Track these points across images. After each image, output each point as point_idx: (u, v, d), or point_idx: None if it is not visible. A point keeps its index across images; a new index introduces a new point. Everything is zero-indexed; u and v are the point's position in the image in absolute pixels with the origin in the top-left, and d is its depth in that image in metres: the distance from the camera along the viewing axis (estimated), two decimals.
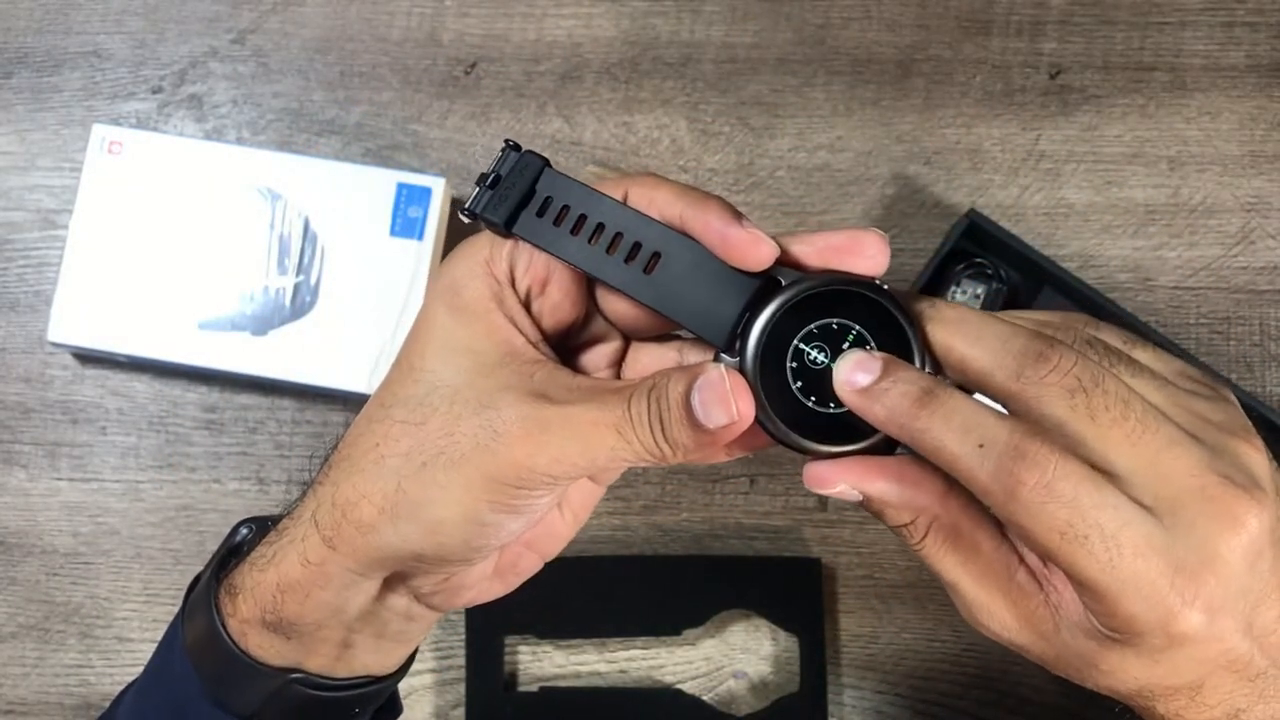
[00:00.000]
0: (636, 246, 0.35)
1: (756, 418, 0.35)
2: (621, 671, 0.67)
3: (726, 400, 0.34)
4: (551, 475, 0.35)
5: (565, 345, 0.39)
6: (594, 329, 0.39)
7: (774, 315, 0.35)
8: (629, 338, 0.40)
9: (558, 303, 0.37)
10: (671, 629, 0.67)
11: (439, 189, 0.66)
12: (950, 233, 0.68)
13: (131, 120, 0.71)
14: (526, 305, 0.37)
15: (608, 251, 0.36)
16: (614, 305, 0.38)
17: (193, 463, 0.68)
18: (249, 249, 0.66)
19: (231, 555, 0.42)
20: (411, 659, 0.44)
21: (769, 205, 0.71)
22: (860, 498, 0.35)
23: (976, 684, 0.67)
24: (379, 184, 0.66)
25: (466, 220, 0.37)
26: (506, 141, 0.37)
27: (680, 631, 0.67)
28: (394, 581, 0.39)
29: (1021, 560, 0.35)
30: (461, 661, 0.66)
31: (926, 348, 0.35)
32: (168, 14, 0.72)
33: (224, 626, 0.39)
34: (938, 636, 0.67)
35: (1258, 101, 0.71)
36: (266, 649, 0.39)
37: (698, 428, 0.34)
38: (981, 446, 0.32)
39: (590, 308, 0.38)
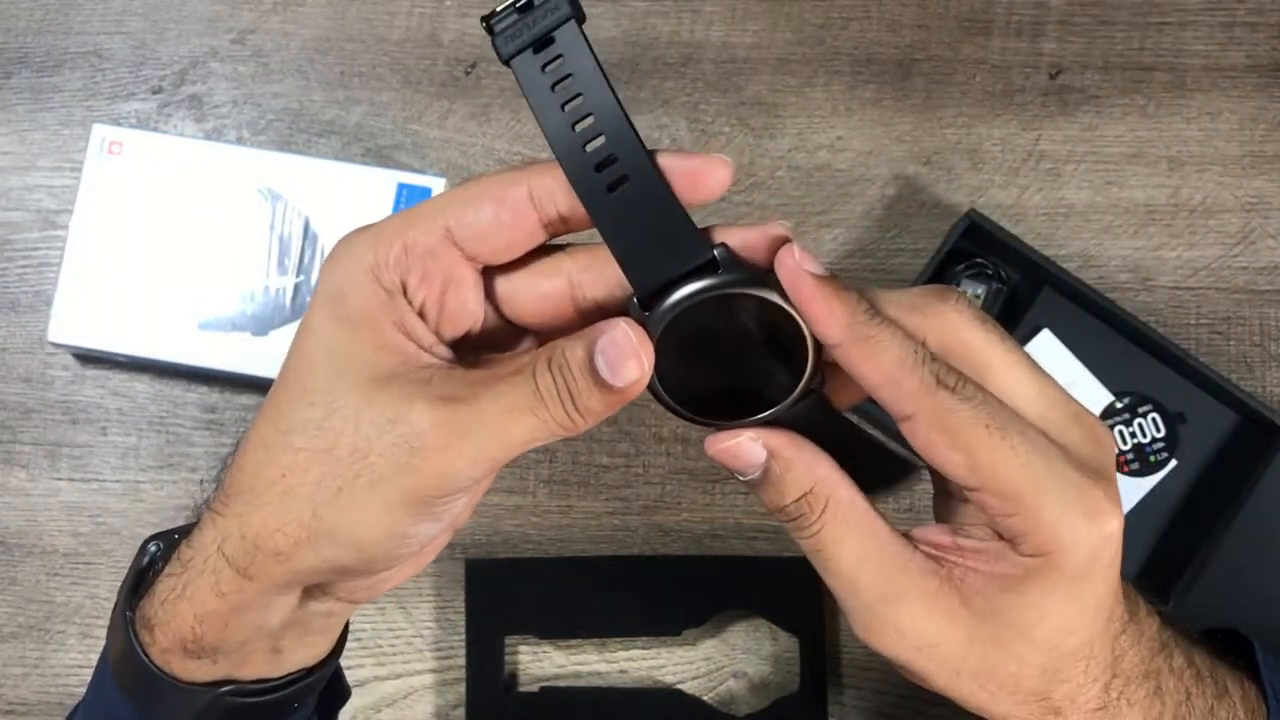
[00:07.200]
0: (611, 159, 0.34)
1: (649, 386, 0.34)
2: (621, 671, 0.67)
3: (636, 354, 0.33)
4: (472, 477, 0.34)
5: (462, 344, 0.38)
6: (492, 330, 0.38)
7: (694, 296, 0.34)
8: (526, 333, 0.38)
9: (455, 313, 0.36)
10: (671, 629, 0.67)
11: (439, 189, 0.66)
12: (950, 233, 0.68)
13: (131, 120, 0.71)
14: (421, 314, 0.36)
15: (583, 148, 0.34)
16: (517, 307, 0.37)
17: (193, 463, 0.68)
18: (249, 249, 0.66)
19: (140, 578, 0.40)
20: (343, 638, 0.43)
21: (769, 205, 0.71)
22: (762, 458, 0.35)
23: None
24: (379, 184, 0.66)
25: (483, 28, 0.34)
26: None
27: (680, 631, 0.67)
28: (314, 590, 0.38)
29: (915, 546, 0.36)
30: (461, 661, 0.66)
31: (820, 368, 0.35)
32: (168, 14, 0.72)
33: (145, 654, 0.38)
34: None
35: (1258, 101, 0.71)
36: (194, 671, 0.39)
37: (606, 389, 0.34)
38: (916, 352, 0.34)
39: (489, 313, 0.37)
